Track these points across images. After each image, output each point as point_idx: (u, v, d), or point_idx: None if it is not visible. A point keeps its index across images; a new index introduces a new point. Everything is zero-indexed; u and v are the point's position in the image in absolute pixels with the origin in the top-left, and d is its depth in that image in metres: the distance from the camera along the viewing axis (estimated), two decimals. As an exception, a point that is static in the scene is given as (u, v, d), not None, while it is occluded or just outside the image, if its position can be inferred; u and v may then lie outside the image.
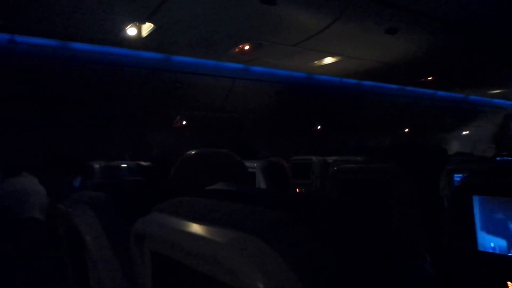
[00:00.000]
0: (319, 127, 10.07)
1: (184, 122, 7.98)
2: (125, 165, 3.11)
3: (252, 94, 7.78)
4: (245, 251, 0.51)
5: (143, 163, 3.12)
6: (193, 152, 1.55)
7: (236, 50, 5.82)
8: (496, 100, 11.72)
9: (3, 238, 2.40)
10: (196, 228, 0.62)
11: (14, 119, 5.57)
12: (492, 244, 1.50)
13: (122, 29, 4.80)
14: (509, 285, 1.37)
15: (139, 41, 5.13)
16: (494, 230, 1.49)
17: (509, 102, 12.17)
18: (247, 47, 5.71)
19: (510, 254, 1.43)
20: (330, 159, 5.24)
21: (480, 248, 1.51)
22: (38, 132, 5.75)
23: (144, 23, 4.71)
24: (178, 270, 0.71)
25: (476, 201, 1.52)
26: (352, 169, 2.24)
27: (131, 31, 4.81)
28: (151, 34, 4.89)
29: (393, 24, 4.96)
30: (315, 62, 6.69)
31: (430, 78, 8.22)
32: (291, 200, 0.68)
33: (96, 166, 3.63)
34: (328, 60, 6.59)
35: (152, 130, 7.68)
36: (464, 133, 13.55)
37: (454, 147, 12.13)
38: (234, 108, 8.00)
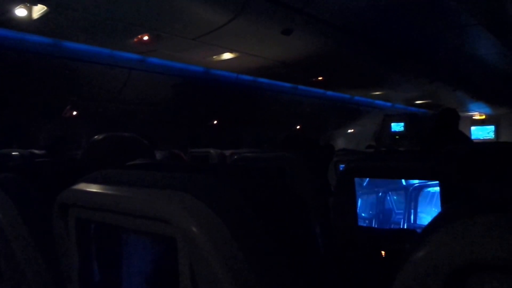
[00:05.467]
0: (216, 122, 10.22)
1: (75, 112, 7.60)
2: (17, 153, 2.89)
3: (149, 86, 7.66)
4: (180, 204, 0.59)
5: (36, 151, 2.96)
6: (101, 136, 1.56)
7: (135, 40, 5.69)
8: (378, 102, 12.89)
9: None
10: (130, 191, 0.68)
11: None
12: (368, 220, 1.75)
13: (10, 9, 4.45)
14: (382, 253, 1.61)
15: (29, 24, 4.79)
16: (371, 207, 1.75)
17: (388, 104, 13.47)
18: (146, 38, 5.61)
19: (382, 227, 1.70)
20: (227, 152, 5.41)
21: (360, 223, 1.75)
22: None
23: (36, 5, 4.41)
24: (105, 233, 0.77)
25: (357, 182, 1.76)
26: (251, 157, 2.41)
27: (20, 11, 4.48)
28: (43, 17, 4.60)
29: (289, 25, 5.23)
30: (214, 57, 6.78)
31: (320, 78, 8.77)
32: (204, 166, 0.78)
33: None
34: (226, 56, 6.72)
35: (41, 119, 7.21)
36: (349, 131, 14.67)
37: (340, 143, 13.07)
38: (131, 100, 7.80)
